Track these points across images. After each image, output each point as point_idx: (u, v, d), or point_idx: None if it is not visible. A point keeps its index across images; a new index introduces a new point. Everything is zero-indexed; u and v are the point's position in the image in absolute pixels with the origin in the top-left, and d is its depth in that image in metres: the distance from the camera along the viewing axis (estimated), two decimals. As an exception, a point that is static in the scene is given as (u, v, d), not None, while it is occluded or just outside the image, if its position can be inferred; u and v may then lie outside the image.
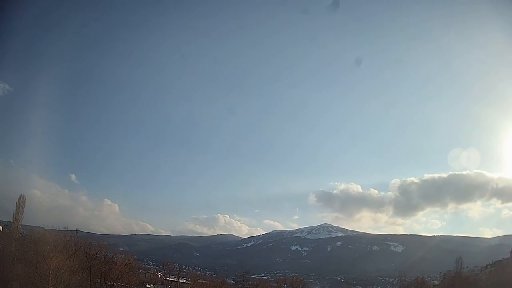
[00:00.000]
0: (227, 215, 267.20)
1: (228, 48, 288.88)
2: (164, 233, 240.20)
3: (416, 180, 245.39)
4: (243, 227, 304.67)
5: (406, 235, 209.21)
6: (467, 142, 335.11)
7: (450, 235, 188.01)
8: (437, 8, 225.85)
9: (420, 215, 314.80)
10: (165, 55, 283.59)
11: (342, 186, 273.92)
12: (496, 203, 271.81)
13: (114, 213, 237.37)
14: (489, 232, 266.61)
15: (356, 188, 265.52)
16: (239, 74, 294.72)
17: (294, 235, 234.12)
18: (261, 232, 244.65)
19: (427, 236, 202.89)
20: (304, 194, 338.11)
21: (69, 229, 59.20)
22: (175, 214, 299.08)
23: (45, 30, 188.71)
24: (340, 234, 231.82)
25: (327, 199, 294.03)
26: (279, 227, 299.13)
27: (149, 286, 72.16)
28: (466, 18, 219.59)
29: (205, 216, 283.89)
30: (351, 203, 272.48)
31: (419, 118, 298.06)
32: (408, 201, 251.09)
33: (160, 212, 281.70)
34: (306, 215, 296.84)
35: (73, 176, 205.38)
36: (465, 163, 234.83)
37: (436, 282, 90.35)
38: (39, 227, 64.44)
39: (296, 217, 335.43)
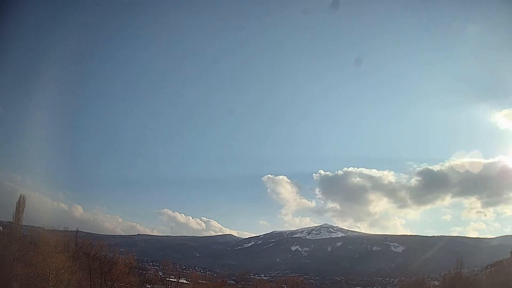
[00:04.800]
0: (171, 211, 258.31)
1: (225, 47, 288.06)
2: (142, 229, 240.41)
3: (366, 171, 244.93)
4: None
5: (406, 235, 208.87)
6: (463, 145, 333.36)
7: (450, 236, 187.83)
8: (440, 8, 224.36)
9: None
10: (162, 54, 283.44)
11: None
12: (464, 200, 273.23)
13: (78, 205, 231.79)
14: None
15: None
16: (236, 72, 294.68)
17: (294, 236, 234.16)
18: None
19: (428, 236, 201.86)
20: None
21: (69, 229, 59.40)
22: (146, 208, 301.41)
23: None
24: (341, 235, 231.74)
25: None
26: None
27: (149, 287, 72.34)
28: (470, 18, 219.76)
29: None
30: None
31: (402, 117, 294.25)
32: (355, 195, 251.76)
33: (130, 205, 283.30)
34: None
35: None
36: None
37: (436, 283, 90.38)
38: (39, 227, 64.63)
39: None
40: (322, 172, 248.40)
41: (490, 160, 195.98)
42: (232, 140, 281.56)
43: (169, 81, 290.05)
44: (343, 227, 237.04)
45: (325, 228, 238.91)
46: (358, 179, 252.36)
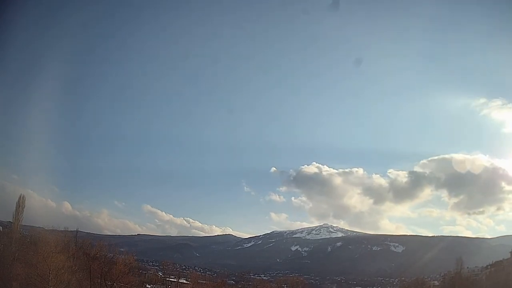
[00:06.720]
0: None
1: (225, 47, 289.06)
2: (157, 231, 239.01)
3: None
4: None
5: (406, 235, 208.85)
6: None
7: (450, 236, 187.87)
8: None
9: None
10: (161, 56, 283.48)
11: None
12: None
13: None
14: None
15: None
16: (231, 73, 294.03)
17: (294, 236, 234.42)
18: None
19: (428, 236, 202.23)
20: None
21: (69, 229, 59.45)
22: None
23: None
24: (340, 235, 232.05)
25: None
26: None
27: (149, 287, 72.40)
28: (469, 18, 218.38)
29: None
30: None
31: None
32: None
33: (117, 202, 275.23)
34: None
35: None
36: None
37: (436, 283, 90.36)
38: (39, 227, 64.75)
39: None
40: (274, 168, 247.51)
41: (475, 157, 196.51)
42: (220, 139, 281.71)
43: (163, 80, 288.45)
44: (343, 227, 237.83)
45: (325, 228, 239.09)
46: (326, 174, 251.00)
